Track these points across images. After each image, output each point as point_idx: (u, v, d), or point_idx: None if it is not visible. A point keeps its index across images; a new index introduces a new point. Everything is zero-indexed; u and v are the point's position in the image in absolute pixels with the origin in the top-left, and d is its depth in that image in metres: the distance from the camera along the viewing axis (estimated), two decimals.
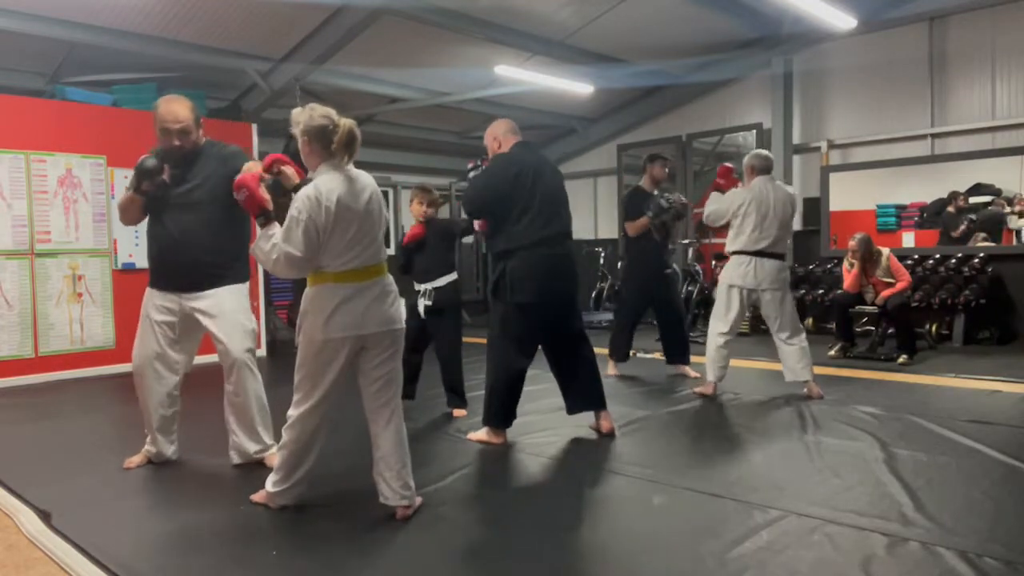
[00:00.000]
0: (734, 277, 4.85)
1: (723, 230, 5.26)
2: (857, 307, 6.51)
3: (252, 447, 3.46)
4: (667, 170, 5.85)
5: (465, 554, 2.55)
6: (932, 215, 7.68)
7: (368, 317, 2.71)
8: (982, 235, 7.38)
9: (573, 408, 4.04)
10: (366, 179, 2.80)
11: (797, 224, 8.69)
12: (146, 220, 3.46)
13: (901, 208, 7.90)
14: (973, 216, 7.44)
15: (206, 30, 6.64)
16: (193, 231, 3.32)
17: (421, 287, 4.47)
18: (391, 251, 3.25)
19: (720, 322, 4.90)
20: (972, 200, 7.45)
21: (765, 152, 5.10)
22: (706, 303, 7.70)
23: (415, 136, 10.23)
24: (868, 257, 6.38)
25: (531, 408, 4.44)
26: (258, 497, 2.97)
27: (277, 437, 3.02)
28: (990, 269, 7.00)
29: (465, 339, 4.72)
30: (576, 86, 8.47)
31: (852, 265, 6.47)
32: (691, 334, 6.50)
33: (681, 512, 2.88)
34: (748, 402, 4.76)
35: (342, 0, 6.30)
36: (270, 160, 2.90)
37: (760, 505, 2.85)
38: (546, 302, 3.79)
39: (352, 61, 7.56)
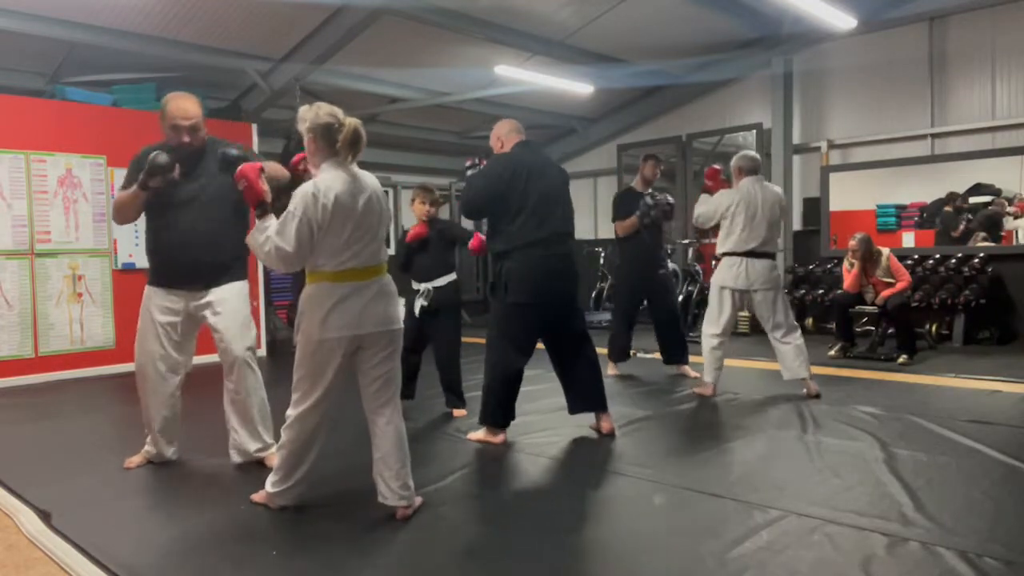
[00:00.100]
0: (726, 279, 4.85)
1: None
2: (857, 307, 6.51)
3: (253, 445, 3.46)
4: (659, 170, 5.84)
5: (465, 554, 2.55)
6: (931, 215, 7.69)
7: (365, 317, 2.71)
8: (982, 235, 7.38)
9: (574, 408, 4.05)
10: (369, 180, 2.79)
11: (797, 224, 8.72)
12: (145, 219, 3.44)
13: (901, 208, 7.90)
14: (970, 216, 7.45)
15: (206, 30, 6.64)
16: (200, 228, 3.31)
17: (420, 286, 4.46)
18: (390, 250, 3.24)
19: (713, 325, 4.92)
20: (972, 200, 7.45)
21: (752, 153, 5.11)
22: (706, 303, 7.68)
23: (415, 136, 10.24)
24: (868, 257, 6.38)
25: (531, 408, 4.44)
26: (258, 497, 2.97)
27: (277, 437, 3.03)
28: (990, 269, 7.00)
29: (464, 339, 4.72)
30: (576, 86, 8.47)
31: (852, 265, 6.47)
32: (691, 334, 6.50)
33: (681, 512, 2.88)
34: (747, 402, 4.76)
35: (342, 0, 6.30)
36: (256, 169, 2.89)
37: (760, 505, 2.85)
38: (544, 303, 3.78)
39: (352, 61, 7.56)
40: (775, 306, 4.83)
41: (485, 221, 4.00)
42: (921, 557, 2.37)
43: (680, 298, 8.13)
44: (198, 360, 3.71)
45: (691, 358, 5.72)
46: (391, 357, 2.82)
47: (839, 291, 6.75)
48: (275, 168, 3.24)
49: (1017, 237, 7.20)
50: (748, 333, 7.81)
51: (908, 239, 7.81)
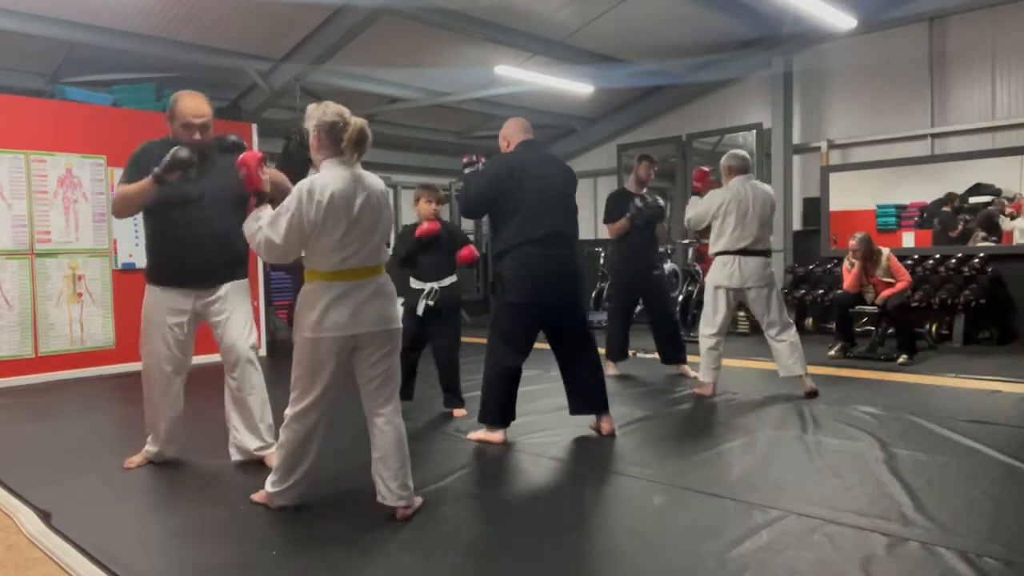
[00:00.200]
0: (719, 278, 4.86)
1: None
2: (857, 307, 6.51)
3: (253, 444, 3.46)
4: (653, 170, 5.83)
5: (465, 554, 2.55)
6: (930, 216, 7.69)
7: (360, 317, 2.71)
8: (982, 234, 7.38)
9: (575, 409, 4.05)
10: (371, 181, 2.79)
11: (797, 224, 8.72)
12: (144, 218, 3.42)
13: (901, 208, 7.90)
14: (968, 217, 7.45)
15: (206, 30, 6.64)
16: (209, 226, 3.31)
17: (426, 286, 4.45)
18: (390, 250, 3.22)
19: (708, 325, 4.92)
20: (972, 200, 7.45)
21: (741, 152, 5.11)
22: None
23: (415, 136, 10.24)
24: (869, 256, 6.38)
25: (531, 408, 4.44)
26: (258, 497, 2.97)
27: (277, 436, 3.03)
28: (990, 269, 7.00)
29: (464, 339, 4.72)
30: (576, 86, 8.47)
31: (852, 265, 6.47)
32: (691, 334, 6.50)
33: (681, 512, 2.88)
34: (747, 402, 4.76)
35: (342, 0, 6.30)
36: (257, 158, 2.93)
37: (760, 505, 2.85)
38: (541, 302, 3.78)
39: (352, 61, 7.56)
40: (769, 304, 4.84)
41: (485, 222, 4.01)
42: (921, 557, 2.37)
43: (680, 298, 8.15)
44: (198, 360, 3.71)
45: (690, 358, 5.72)
46: (388, 356, 2.81)
47: (839, 291, 6.74)
48: (280, 179, 3.21)
49: (1016, 237, 7.20)
50: (748, 333, 7.82)
51: (908, 239, 7.81)
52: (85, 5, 5.94)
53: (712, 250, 4.95)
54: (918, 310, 6.94)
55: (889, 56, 7.96)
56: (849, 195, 8.18)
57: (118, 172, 6.37)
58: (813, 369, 5.15)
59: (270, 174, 2.99)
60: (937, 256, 7.32)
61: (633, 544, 2.59)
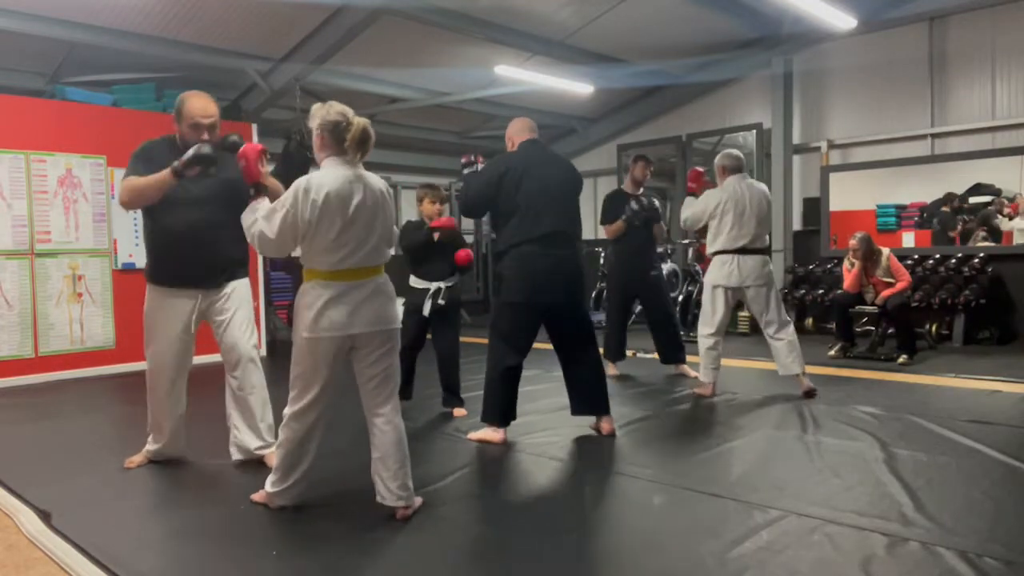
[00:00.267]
0: (718, 277, 4.86)
1: None
2: (857, 307, 6.51)
3: (254, 443, 3.47)
4: (649, 171, 5.82)
5: (465, 554, 2.55)
6: (930, 216, 7.69)
7: (357, 317, 2.71)
8: (982, 234, 7.38)
9: (576, 410, 4.06)
10: (371, 181, 2.79)
11: (797, 224, 8.71)
12: (145, 218, 3.41)
13: (901, 208, 7.90)
14: (967, 217, 7.44)
15: (206, 30, 6.64)
16: (216, 225, 3.31)
17: (432, 285, 4.45)
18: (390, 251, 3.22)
19: (707, 325, 4.93)
20: (972, 200, 7.45)
21: (735, 151, 5.11)
22: None
23: (415, 136, 10.24)
24: (869, 256, 6.38)
25: (531, 408, 4.44)
26: (258, 497, 2.97)
27: (277, 436, 3.02)
28: (990, 269, 7.00)
29: (463, 339, 4.72)
30: (576, 86, 8.47)
31: (853, 264, 6.46)
32: (691, 334, 6.50)
33: (681, 512, 2.88)
34: (747, 402, 4.76)
35: (342, 0, 6.30)
36: (256, 150, 2.95)
37: (760, 505, 2.85)
38: (540, 302, 3.78)
39: (352, 61, 7.56)
40: (768, 302, 4.84)
41: (485, 222, 4.03)
42: (921, 557, 2.37)
43: (680, 298, 8.15)
44: (198, 360, 3.70)
45: (690, 358, 5.72)
46: (387, 356, 2.81)
47: (839, 291, 6.74)
48: (276, 188, 3.21)
49: (1016, 237, 7.20)
50: (748, 333, 7.82)
51: (908, 239, 7.81)
52: (85, 5, 5.94)
53: (709, 250, 4.96)
54: (918, 310, 6.94)
55: (889, 56, 7.96)
56: (849, 195, 8.18)
57: (118, 172, 6.45)
58: (813, 369, 5.15)
59: (270, 185, 3.00)
60: (937, 256, 7.32)
61: (633, 544, 2.59)
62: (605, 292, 8.97)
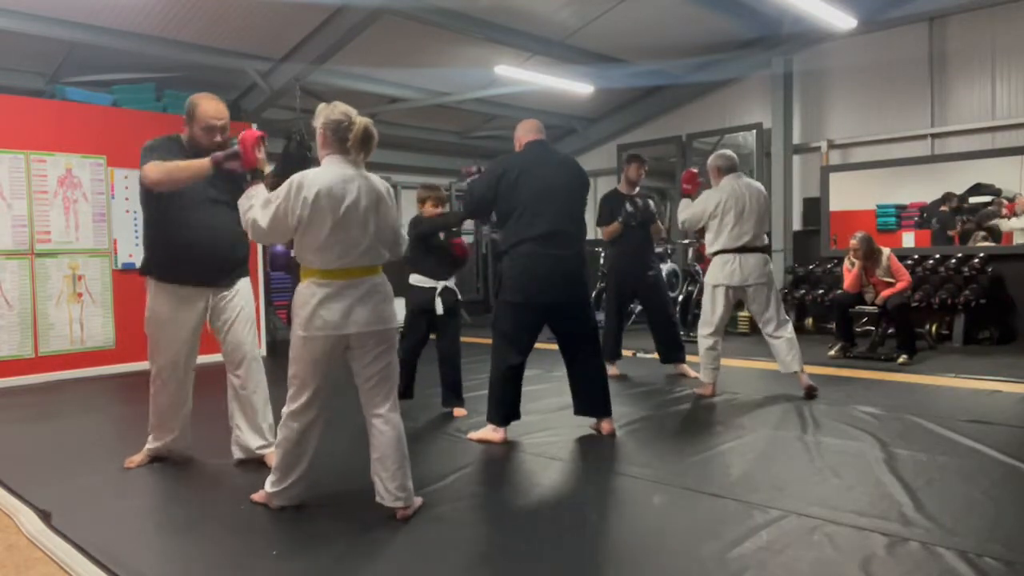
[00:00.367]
0: (719, 277, 4.86)
1: None
2: (857, 307, 6.51)
3: (255, 442, 3.47)
4: (644, 171, 5.81)
5: (465, 554, 2.55)
6: (930, 216, 7.69)
7: (351, 317, 2.70)
8: (982, 234, 7.38)
9: (579, 410, 4.07)
10: (372, 183, 2.79)
11: (797, 224, 8.71)
12: (150, 216, 3.39)
13: (901, 208, 7.90)
14: (966, 217, 7.44)
15: (206, 30, 6.63)
16: (226, 225, 3.31)
17: (438, 284, 4.46)
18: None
19: (706, 324, 4.93)
20: (972, 200, 7.45)
21: (728, 152, 5.11)
22: None
23: (415, 136, 10.23)
24: (869, 256, 6.38)
25: (532, 408, 4.44)
26: (258, 497, 2.97)
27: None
28: (990, 269, 7.00)
29: (463, 339, 4.73)
30: (576, 86, 8.47)
31: (853, 264, 6.46)
32: (691, 334, 6.50)
33: (681, 512, 2.88)
34: (747, 402, 4.76)
35: (342, 0, 6.30)
36: (254, 136, 2.99)
37: (760, 505, 2.85)
38: (538, 302, 3.78)
39: (352, 61, 7.55)
40: (768, 301, 4.84)
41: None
42: (921, 557, 2.37)
43: (680, 298, 8.15)
44: (198, 360, 3.70)
45: (690, 358, 5.72)
46: (384, 356, 2.80)
47: (839, 291, 6.74)
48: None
49: (1016, 237, 7.20)
50: (748, 333, 7.82)
51: (908, 239, 7.81)
52: (85, 5, 5.94)
53: (709, 250, 4.95)
54: (918, 310, 6.94)
55: (889, 56, 7.96)
56: (849, 195, 8.18)
57: (118, 172, 6.46)
58: (813, 369, 5.15)
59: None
60: (937, 256, 7.32)
61: (633, 544, 2.59)
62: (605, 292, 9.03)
